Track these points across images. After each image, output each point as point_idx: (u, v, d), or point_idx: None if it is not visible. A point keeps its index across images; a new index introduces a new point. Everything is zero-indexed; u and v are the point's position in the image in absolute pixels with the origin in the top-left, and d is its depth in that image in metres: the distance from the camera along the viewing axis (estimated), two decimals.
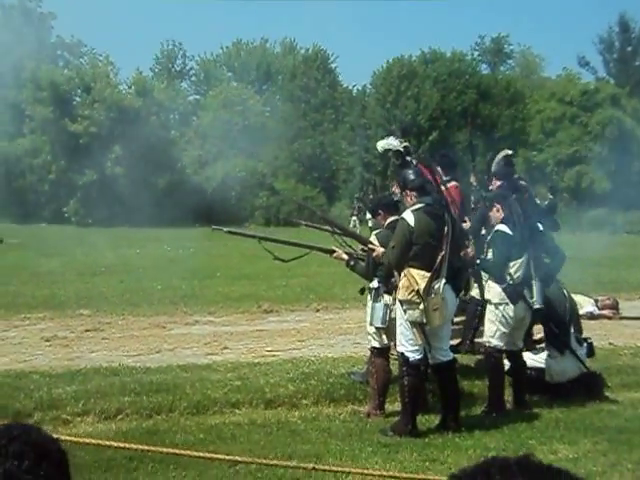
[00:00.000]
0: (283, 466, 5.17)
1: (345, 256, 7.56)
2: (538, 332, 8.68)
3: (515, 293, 7.33)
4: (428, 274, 6.53)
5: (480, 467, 1.38)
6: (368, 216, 9.86)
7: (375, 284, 7.28)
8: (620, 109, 43.35)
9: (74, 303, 13.16)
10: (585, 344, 8.73)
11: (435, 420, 7.00)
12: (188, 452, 4.79)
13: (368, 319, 7.35)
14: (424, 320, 6.54)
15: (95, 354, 9.64)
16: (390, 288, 7.07)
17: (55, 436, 1.69)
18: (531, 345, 8.43)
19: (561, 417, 7.24)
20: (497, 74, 54.40)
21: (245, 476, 5.50)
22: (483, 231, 8.13)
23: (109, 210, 36.36)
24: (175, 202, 35.36)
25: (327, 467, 4.87)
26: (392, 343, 7.27)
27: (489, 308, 7.43)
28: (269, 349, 9.98)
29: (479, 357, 8.55)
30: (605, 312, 12.44)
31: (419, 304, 6.51)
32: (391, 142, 7.70)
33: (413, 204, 6.78)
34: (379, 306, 7.19)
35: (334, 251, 7.67)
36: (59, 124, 38.81)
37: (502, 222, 7.40)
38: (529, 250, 7.42)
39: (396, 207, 7.38)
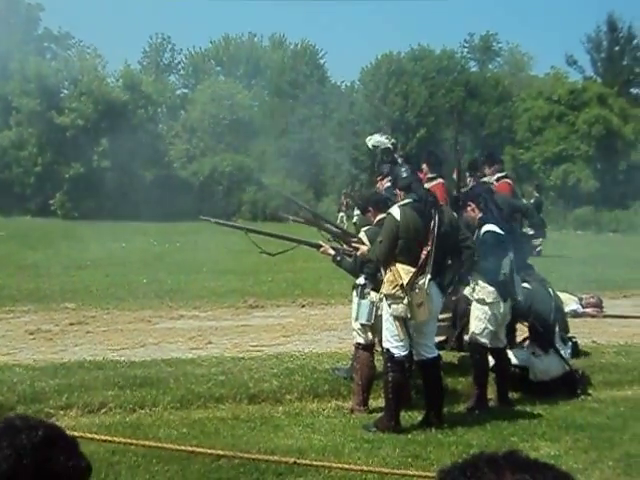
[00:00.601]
0: (265, 460, 5.18)
1: (332, 251, 7.56)
2: (522, 332, 8.72)
3: (506, 291, 7.36)
4: (413, 269, 6.55)
5: (469, 461, 1.41)
6: (356, 212, 9.86)
7: (362, 281, 7.29)
8: (607, 108, 43.50)
9: (59, 296, 13.07)
10: (570, 343, 8.80)
11: (418, 416, 7.02)
12: (171, 446, 4.80)
13: (354, 315, 7.36)
14: (408, 315, 6.56)
15: (79, 348, 9.58)
16: (377, 285, 7.08)
17: None
18: (515, 344, 8.47)
19: (543, 414, 7.29)
20: (485, 72, 54.53)
21: (228, 470, 5.50)
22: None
23: (95, 203, 36.17)
24: (162, 196, 35.24)
25: (309, 462, 4.88)
26: (377, 340, 7.29)
27: (478, 306, 7.42)
28: (254, 344, 9.96)
29: (463, 354, 8.58)
30: (589, 310, 12.49)
31: (403, 298, 6.53)
32: (378, 138, 7.72)
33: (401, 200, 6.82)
34: (365, 303, 7.20)
35: (321, 246, 7.68)
36: (46, 116, 38.49)
37: (487, 222, 7.40)
38: (511, 245, 7.45)
39: (386, 204, 7.39)
